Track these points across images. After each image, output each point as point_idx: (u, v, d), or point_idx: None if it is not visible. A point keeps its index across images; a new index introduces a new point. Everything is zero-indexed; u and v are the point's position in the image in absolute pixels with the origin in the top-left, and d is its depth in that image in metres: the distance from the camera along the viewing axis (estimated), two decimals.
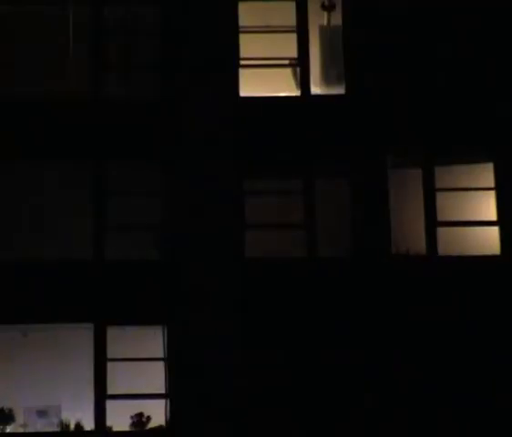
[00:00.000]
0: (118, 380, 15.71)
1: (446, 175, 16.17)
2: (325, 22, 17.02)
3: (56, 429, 16.06)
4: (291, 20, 16.74)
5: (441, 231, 15.93)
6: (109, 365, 15.69)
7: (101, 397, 15.65)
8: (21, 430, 16.16)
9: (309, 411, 15.47)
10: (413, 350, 15.41)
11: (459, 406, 15.25)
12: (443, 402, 15.33)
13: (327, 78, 16.81)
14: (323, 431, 15.51)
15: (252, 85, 16.62)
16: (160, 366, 15.82)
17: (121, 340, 15.88)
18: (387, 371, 15.29)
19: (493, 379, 15.49)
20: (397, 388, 15.23)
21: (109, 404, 15.70)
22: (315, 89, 16.75)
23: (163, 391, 15.74)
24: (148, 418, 16.13)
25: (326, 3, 16.95)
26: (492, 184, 16.02)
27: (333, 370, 15.38)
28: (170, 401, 15.64)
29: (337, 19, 16.95)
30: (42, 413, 16.12)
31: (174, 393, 15.63)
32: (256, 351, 15.49)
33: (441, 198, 16.06)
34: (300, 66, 16.62)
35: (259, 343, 15.59)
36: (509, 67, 16.45)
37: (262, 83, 16.76)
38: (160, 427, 16.03)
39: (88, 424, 16.02)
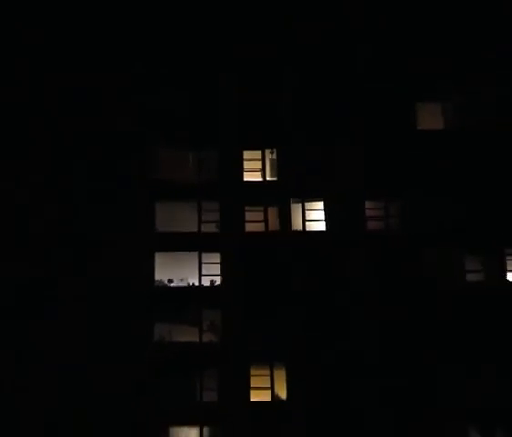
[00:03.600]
0: (206, 270, 45.62)
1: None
2: (272, 157, 46.04)
3: (185, 285, 44.90)
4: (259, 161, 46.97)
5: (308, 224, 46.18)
6: (203, 265, 45.67)
7: (200, 275, 45.33)
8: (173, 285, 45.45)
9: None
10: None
11: None
12: None
13: (271, 174, 45.44)
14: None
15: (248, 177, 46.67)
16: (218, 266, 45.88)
17: (207, 258, 45.38)
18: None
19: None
20: None
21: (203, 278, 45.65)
22: (268, 178, 45.47)
23: (219, 273, 45.16)
24: (215, 282, 44.96)
25: (272, 151, 46.50)
26: (322, 208, 46.04)
27: None
28: (221, 275, 44.89)
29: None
30: (181, 280, 44.63)
31: (223, 274, 45.24)
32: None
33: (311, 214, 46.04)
34: (262, 171, 46.24)
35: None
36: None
37: (250, 176, 46.46)
38: (219, 284, 45.03)
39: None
